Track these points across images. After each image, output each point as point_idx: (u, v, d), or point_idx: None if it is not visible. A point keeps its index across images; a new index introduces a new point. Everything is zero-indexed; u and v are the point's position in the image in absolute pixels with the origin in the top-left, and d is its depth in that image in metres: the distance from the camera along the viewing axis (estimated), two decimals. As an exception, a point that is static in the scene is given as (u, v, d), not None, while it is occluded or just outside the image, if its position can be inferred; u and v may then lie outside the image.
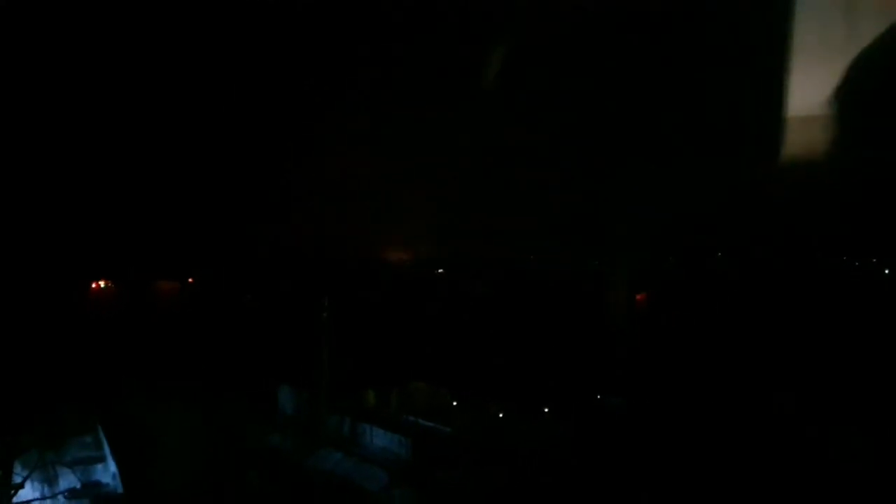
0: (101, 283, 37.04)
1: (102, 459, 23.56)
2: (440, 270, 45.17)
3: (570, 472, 20.98)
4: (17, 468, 19.40)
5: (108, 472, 22.48)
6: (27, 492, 19.50)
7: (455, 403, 27.40)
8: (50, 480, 20.81)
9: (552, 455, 22.30)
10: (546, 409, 25.34)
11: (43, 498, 19.42)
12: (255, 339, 33.15)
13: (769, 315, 29.15)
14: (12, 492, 18.89)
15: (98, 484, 21.70)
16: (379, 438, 25.20)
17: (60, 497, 19.98)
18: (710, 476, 19.47)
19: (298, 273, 39.77)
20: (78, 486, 20.41)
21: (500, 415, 25.54)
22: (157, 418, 26.27)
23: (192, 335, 33.92)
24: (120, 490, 21.47)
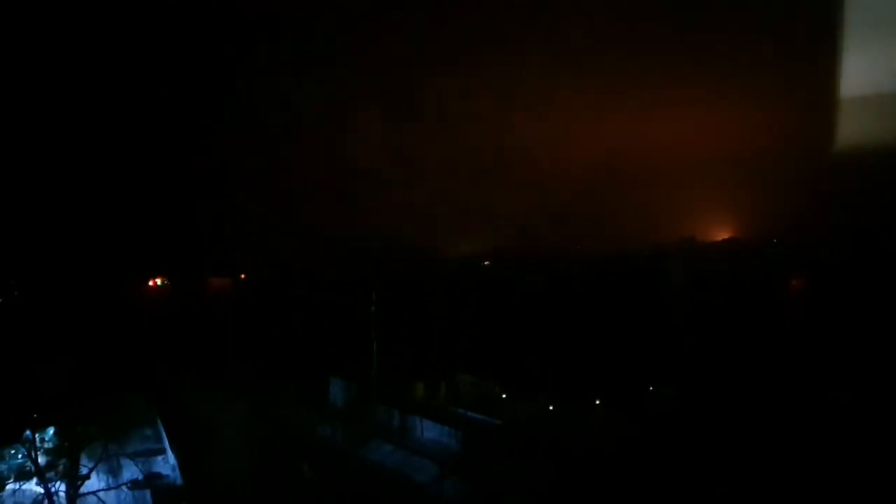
0: (160, 281, 38.13)
1: (163, 452, 24.35)
2: (486, 263, 44.94)
3: (620, 463, 20.63)
4: (84, 460, 20.19)
5: (167, 464, 23.19)
6: (93, 482, 20.26)
7: (504, 395, 27.23)
8: (114, 471, 21.62)
9: (602, 447, 21.92)
10: (597, 401, 24.96)
11: (108, 488, 20.12)
12: (306, 332, 33.64)
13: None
14: (79, 482, 19.65)
15: (158, 475, 22.31)
16: (429, 430, 25.19)
17: (124, 487, 20.67)
18: (756, 468, 18.95)
19: (347, 267, 40.16)
20: (140, 477, 21.10)
21: (550, 406, 25.27)
22: (214, 411, 26.94)
23: (246, 330, 34.64)
24: (180, 482, 22.18)
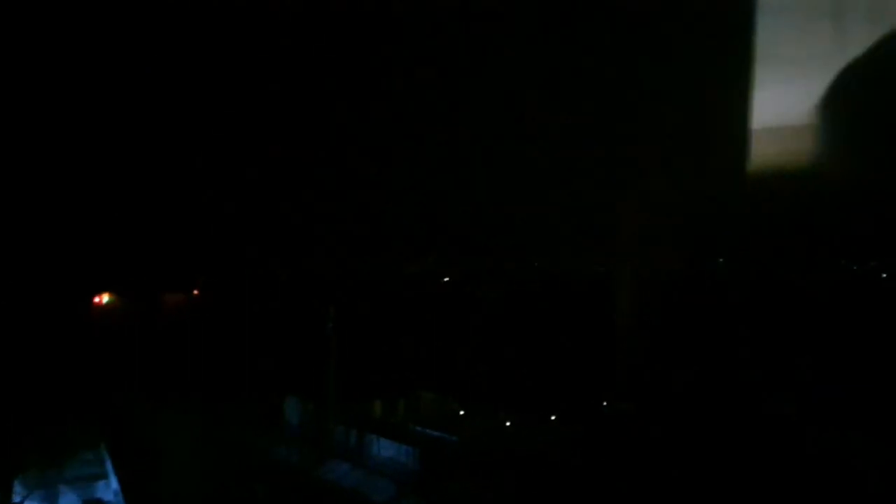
0: (105, 297, 37.00)
1: (104, 476, 23.34)
2: (446, 279, 44.97)
3: (578, 478, 20.65)
4: (17, 487, 19.24)
5: (109, 490, 22.27)
6: (28, 511, 19.35)
7: (462, 412, 27.12)
8: (51, 499, 20.64)
9: (560, 462, 21.95)
10: (553, 416, 24.99)
11: (44, 516, 19.23)
12: (260, 350, 33.00)
13: (771, 319, 28.77)
14: (12, 511, 18.72)
15: (99, 501, 21.37)
16: (386, 449, 24.92)
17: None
18: (714, 480, 19.14)
19: (303, 283, 39.64)
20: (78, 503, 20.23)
21: (508, 423, 25.22)
22: (161, 433, 26.12)
23: (197, 348, 33.79)
24: (123, 507, 21.38)
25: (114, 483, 22.28)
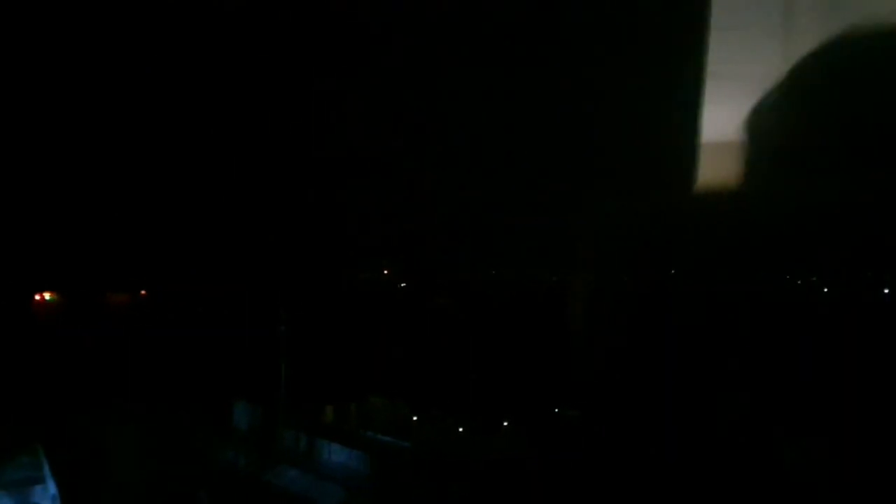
0: (46, 296, 35.65)
1: (41, 480, 22.44)
2: (402, 285, 44.97)
3: (528, 482, 20.90)
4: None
5: (47, 495, 21.40)
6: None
7: (414, 418, 27.11)
8: (-17, 503, 19.80)
9: (511, 467, 22.17)
10: (504, 422, 25.24)
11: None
12: (209, 352, 32.29)
13: (717, 328, 29.71)
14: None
15: (36, 506, 20.92)
16: (336, 454, 24.73)
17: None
18: (662, 482, 19.63)
19: (255, 286, 39.01)
20: (14, 508, 19.40)
21: (459, 428, 25.34)
22: (106, 437, 25.23)
23: (146, 349, 32.85)
24: (60, 512, 20.57)
25: (51, 487, 21.40)
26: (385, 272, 39.82)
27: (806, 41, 21.56)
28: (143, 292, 37.09)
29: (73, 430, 25.45)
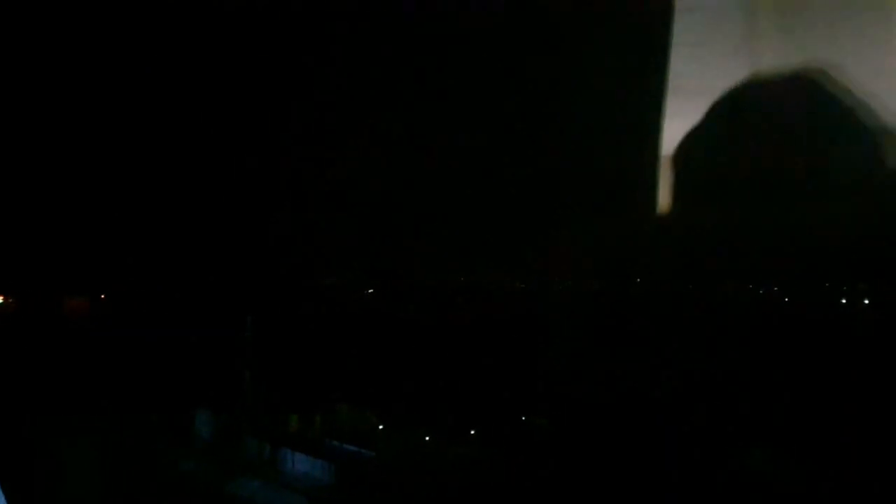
0: (0, 299, 34.48)
1: (-8, 492, 21.72)
2: (368, 291, 44.72)
3: (495, 493, 20.90)
4: None
5: (-3, 507, 20.72)
6: None
7: (380, 426, 26.92)
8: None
9: (478, 477, 22.17)
10: (472, 431, 25.22)
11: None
12: (169, 358, 31.63)
13: (685, 338, 30.21)
14: None
15: (-15, 519, 20.17)
16: (300, 464, 24.44)
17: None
18: (630, 495, 19.84)
19: (219, 289, 38.32)
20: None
21: (426, 437, 25.24)
22: (60, 446, 24.49)
23: (105, 356, 32.04)
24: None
25: (0, 498, 20.71)
26: (352, 278, 39.56)
27: (770, 58, 22.06)
28: (101, 296, 36.13)
29: (23, 439, 24.64)
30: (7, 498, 17.71)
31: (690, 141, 22.88)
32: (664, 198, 25.26)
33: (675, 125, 22.73)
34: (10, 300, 38.27)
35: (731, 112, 24.33)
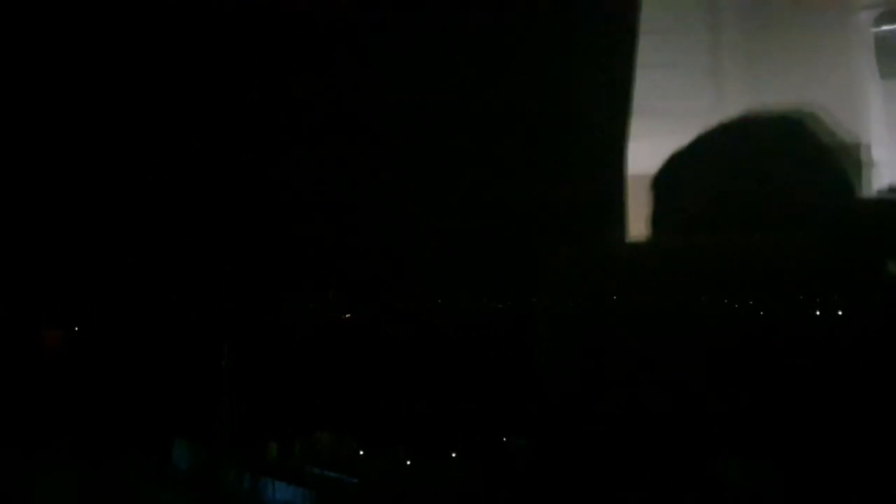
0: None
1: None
2: (347, 315, 44.70)
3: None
4: None
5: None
6: None
7: (361, 452, 26.76)
8: None
9: (460, 500, 22.09)
10: (452, 454, 25.18)
11: None
12: (145, 388, 31.26)
13: (666, 356, 30.54)
14: None
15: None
16: (281, 492, 24.21)
17: None
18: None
19: (196, 318, 38.03)
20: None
21: (407, 461, 25.14)
22: (35, 481, 24.03)
23: (80, 389, 31.53)
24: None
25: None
26: (331, 302, 39.51)
27: (735, 80, 22.73)
28: (76, 328, 35.65)
29: (2, 478, 24.07)
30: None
31: (660, 162, 23.53)
32: (634, 218, 25.57)
33: (643, 146, 23.38)
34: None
35: (701, 134, 24.99)
